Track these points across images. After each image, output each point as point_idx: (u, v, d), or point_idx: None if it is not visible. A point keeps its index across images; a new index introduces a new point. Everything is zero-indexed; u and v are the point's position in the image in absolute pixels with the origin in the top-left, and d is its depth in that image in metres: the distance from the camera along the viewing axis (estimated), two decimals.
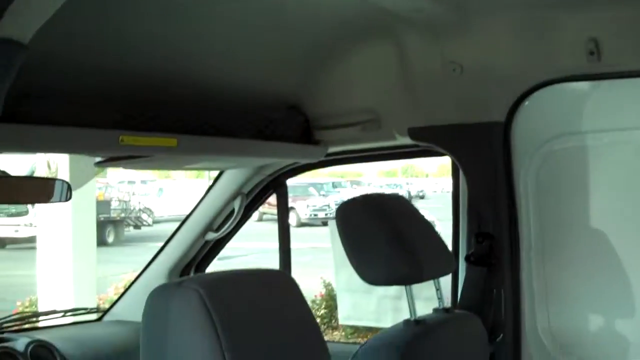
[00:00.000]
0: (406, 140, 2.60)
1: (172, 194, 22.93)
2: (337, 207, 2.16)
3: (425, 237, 2.18)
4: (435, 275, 2.18)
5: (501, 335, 2.47)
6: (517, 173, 2.47)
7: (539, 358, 2.48)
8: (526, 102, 2.40)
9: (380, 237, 2.06)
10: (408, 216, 2.18)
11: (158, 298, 1.22)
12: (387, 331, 2.06)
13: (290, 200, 3.24)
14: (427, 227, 2.23)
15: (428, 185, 29.70)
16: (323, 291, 8.12)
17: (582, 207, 2.45)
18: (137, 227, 21.28)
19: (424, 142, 2.58)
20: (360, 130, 2.63)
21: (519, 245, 2.50)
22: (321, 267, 7.61)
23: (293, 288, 1.34)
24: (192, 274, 3.05)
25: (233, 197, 2.97)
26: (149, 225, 21.38)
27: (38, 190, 2.29)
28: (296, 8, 2.21)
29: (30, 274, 10.94)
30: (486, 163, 2.47)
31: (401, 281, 2.08)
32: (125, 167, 2.45)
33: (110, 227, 19.35)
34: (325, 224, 19.56)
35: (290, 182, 3.13)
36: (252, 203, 3.06)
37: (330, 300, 7.78)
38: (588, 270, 2.45)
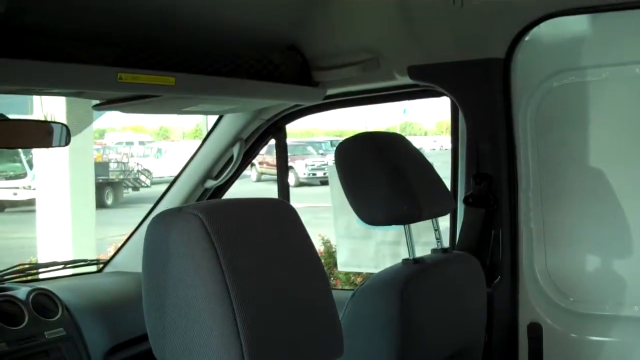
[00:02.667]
0: (406, 80, 2.57)
1: (171, 155, 22.89)
2: (336, 147, 2.15)
3: (424, 177, 2.17)
4: (434, 214, 2.17)
5: (499, 277, 2.47)
6: (516, 111, 2.45)
7: (536, 300, 2.49)
8: (526, 38, 2.37)
9: (379, 175, 2.05)
10: (407, 155, 2.17)
11: (158, 224, 1.21)
12: (385, 271, 2.06)
13: (288, 160, 3.23)
14: (427, 167, 2.22)
15: (426, 143, 29.67)
16: (322, 248, 8.12)
17: (582, 145, 2.44)
18: (135, 188, 21.32)
19: (424, 81, 2.55)
20: (360, 70, 2.59)
21: (517, 186, 2.49)
22: (320, 225, 7.61)
23: (293, 216, 1.33)
24: None
25: (232, 143, 2.96)
26: (147, 186, 21.41)
27: (37, 134, 2.28)
28: None
29: (30, 237, 10.98)
30: (485, 101, 2.45)
31: (400, 220, 2.07)
32: (123, 110, 2.43)
33: (109, 188, 19.38)
34: (323, 183, 19.56)
35: (288, 141, 3.12)
36: (251, 149, 3.05)
37: (329, 257, 7.79)
38: (586, 211, 2.44)
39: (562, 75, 2.38)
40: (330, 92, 2.74)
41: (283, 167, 3.11)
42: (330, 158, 21.62)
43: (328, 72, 2.66)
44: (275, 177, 3.17)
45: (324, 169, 20.74)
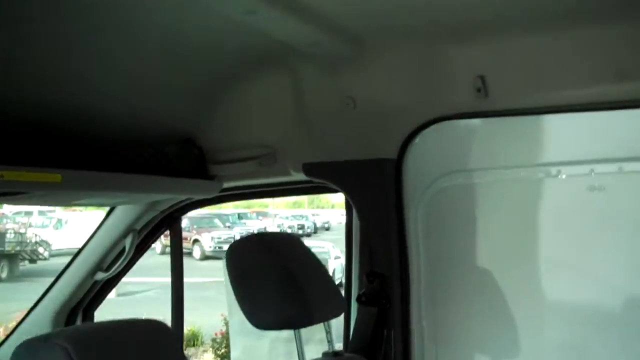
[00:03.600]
0: (301, 176, 2.59)
1: (72, 225, 22.15)
2: (227, 249, 2.12)
3: (316, 279, 2.16)
4: (325, 318, 2.15)
5: None
6: (408, 210, 2.48)
7: None
8: (417, 139, 2.43)
9: (270, 278, 2.02)
10: (299, 257, 2.16)
11: (21, 356, 1.14)
12: None
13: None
14: (319, 268, 2.21)
15: (334, 216, 29.88)
16: (223, 329, 7.94)
17: (471, 245, 2.49)
18: (32, 261, 20.44)
19: (318, 178, 2.57)
20: (256, 165, 2.60)
21: (409, 284, 2.49)
22: (223, 302, 7.50)
23: (168, 337, 1.29)
24: (79, 318, 2.93)
25: (124, 234, 2.88)
26: (45, 259, 20.57)
27: None
28: (190, 39, 2.16)
29: None
30: (378, 200, 2.48)
31: (290, 325, 2.05)
32: (8, 203, 2.33)
33: (4, 261, 18.58)
34: None
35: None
36: (145, 240, 2.98)
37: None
38: (475, 309, 2.47)
39: (451, 177, 2.44)
40: (226, 184, 2.72)
41: (178, 257, 3.04)
42: (237, 231, 21.47)
43: (224, 166, 2.65)
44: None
45: (230, 241, 20.46)
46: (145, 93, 2.34)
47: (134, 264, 2.98)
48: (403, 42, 2.24)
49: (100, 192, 2.32)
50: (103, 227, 2.90)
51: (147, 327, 1.28)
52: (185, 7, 1.88)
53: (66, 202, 2.58)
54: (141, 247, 2.96)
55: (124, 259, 2.89)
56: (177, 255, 3.00)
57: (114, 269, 2.91)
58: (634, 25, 2.04)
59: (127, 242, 2.88)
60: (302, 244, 2.22)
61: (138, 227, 2.90)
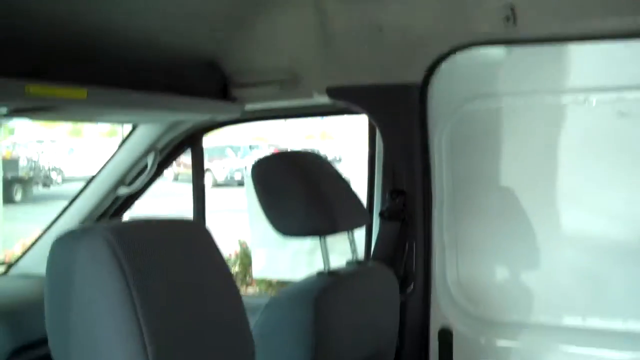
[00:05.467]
0: (324, 99, 2.59)
1: (83, 152, 22.23)
2: (252, 164, 2.15)
3: (340, 191, 2.19)
4: (349, 227, 2.19)
5: (412, 285, 2.53)
6: (432, 133, 2.50)
7: (447, 307, 2.56)
8: (443, 65, 2.42)
9: (296, 190, 2.06)
10: (323, 171, 2.20)
11: (63, 245, 1.16)
12: (300, 282, 2.07)
13: (206, 160, 3.20)
14: (342, 182, 2.25)
15: (347, 148, 29.83)
16: (238, 249, 8.13)
17: (494, 166, 2.52)
18: (46, 185, 20.70)
19: (342, 101, 2.58)
20: (278, 89, 2.60)
21: (432, 201, 2.55)
22: (236, 228, 7.61)
23: (207, 238, 1.32)
24: None
25: (146, 153, 2.90)
26: (58, 184, 20.79)
27: None
28: None
29: None
30: (402, 123, 2.49)
31: (315, 232, 2.08)
32: (32, 118, 2.35)
33: (18, 185, 18.77)
34: (241, 184, 19.48)
35: (206, 144, 3.09)
36: (167, 159, 3.01)
37: (245, 257, 7.81)
38: (496, 226, 2.52)
39: (477, 102, 2.44)
40: (248, 107, 2.73)
41: (200, 178, 3.08)
42: (248, 161, 21.56)
43: (247, 89, 2.66)
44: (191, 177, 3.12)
45: (241, 171, 20.68)
46: (170, 14, 2.32)
47: (155, 180, 3.01)
48: None
49: (124, 109, 2.33)
50: (126, 144, 2.92)
51: (186, 226, 1.30)
52: None
53: (89, 118, 2.60)
54: (162, 166, 2.99)
55: (146, 176, 2.92)
56: (198, 175, 3.04)
57: (135, 184, 2.95)
58: None
59: (149, 159, 2.90)
60: (327, 161, 2.25)
61: (160, 146, 2.92)
